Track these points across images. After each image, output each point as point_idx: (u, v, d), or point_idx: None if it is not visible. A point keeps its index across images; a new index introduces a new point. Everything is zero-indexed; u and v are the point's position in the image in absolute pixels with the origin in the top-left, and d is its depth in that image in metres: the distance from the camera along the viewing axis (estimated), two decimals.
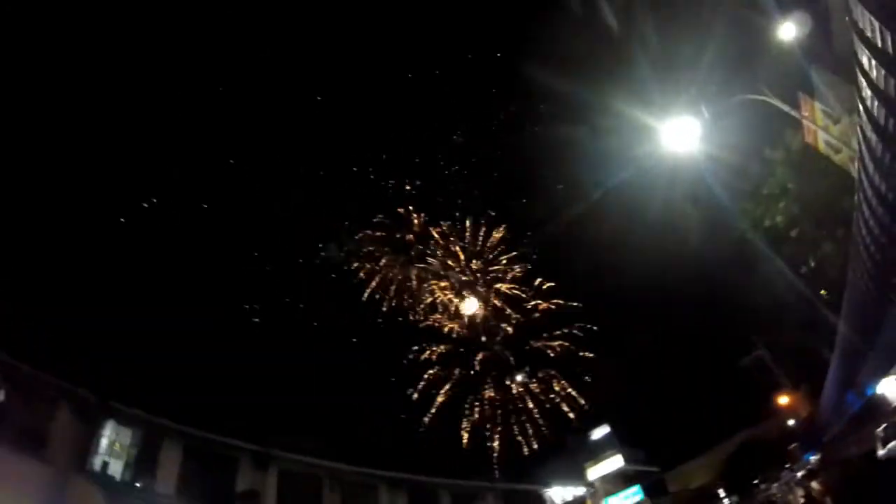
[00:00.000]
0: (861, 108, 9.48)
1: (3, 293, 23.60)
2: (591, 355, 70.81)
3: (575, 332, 71.22)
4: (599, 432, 62.11)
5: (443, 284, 69.76)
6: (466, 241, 70.65)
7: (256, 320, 51.82)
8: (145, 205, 47.33)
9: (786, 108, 20.82)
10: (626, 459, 58.31)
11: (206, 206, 51.74)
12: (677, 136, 19.60)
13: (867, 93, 9.09)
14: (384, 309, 66.59)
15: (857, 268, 14.13)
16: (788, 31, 20.51)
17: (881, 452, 12.13)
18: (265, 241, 59.45)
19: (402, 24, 62.22)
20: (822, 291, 36.97)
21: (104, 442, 25.04)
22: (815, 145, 23.61)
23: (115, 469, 24.99)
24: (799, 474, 37.60)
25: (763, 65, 24.46)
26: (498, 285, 71.89)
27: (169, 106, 47.97)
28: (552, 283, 71.52)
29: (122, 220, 44.98)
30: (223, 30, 49.71)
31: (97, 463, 24.23)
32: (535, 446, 67.39)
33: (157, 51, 46.24)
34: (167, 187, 49.91)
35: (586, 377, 70.63)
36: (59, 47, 39.42)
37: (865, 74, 8.86)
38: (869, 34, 8.08)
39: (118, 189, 44.89)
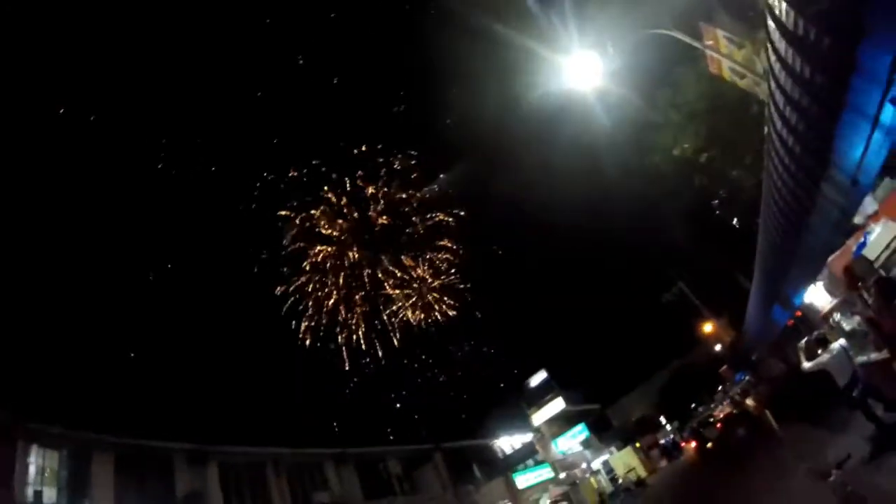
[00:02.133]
0: (767, 10, 9.68)
1: None
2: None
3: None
4: (537, 378, 63.80)
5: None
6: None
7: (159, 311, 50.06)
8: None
9: (688, 39, 21.26)
10: (567, 401, 59.93)
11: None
12: (581, 71, 19.83)
13: (773, 28, 9.33)
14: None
15: (773, 175, 14.62)
16: None
17: (806, 366, 12.60)
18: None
19: None
20: (734, 221, 38.48)
21: (32, 469, 23.66)
22: (719, 73, 24.36)
23: (50, 496, 23.53)
24: (732, 392, 39.43)
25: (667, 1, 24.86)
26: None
27: None
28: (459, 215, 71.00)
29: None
30: None
31: (29, 493, 22.92)
32: (477, 405, 68.21)
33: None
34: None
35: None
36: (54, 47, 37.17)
37: (771, 10, 9.09)
38: None
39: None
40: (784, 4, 8.57)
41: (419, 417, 66.53)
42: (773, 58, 10.28)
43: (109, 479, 25.94)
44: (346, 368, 67.14)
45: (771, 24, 9.60)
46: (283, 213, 65.21)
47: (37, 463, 23.74)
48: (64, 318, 36.98)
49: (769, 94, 11.50)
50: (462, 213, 69.29)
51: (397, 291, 70.76)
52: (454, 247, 69.80)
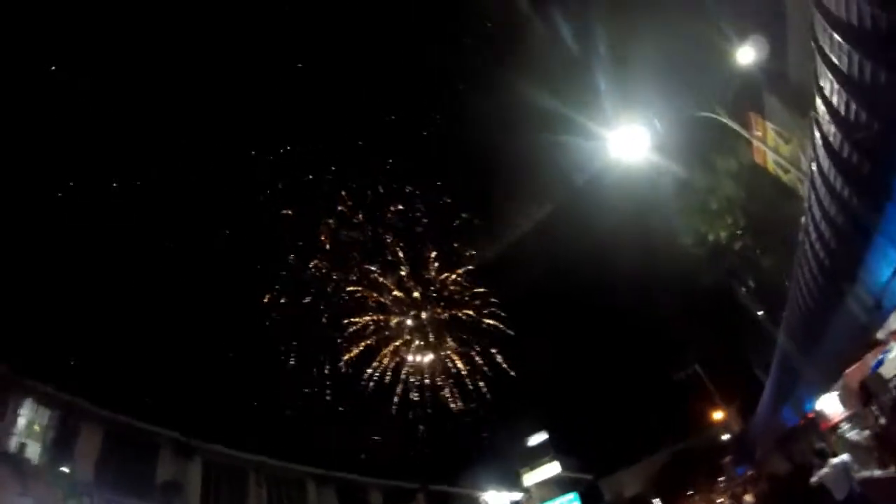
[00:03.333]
0: (816, 128, 9.99)
1: None
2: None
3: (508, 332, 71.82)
4: (536, 439, 63.19)
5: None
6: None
7: (186, 306, 50.50)
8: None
9: (736, 126, 21.53)
10: (563, 466, 59.43)
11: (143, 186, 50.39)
12: (627, 144, 20.02)
13: (823, 113, 9.63)
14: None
15: (800, 282, 14.83)
16: (746, 54, 21.25)
17: (813, 479, 12.63)
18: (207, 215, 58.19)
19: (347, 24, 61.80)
20: (760, 312, 38.37)
21: (21, 422, 24.12)
22: (763, 164, 24.65)
23: (33, 451, 24.00)
24: (731, 486, 38.88)
25: (718, 84, 25.31)
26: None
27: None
28: (490, 292, 72.16)
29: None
30: None
31: (13, 444, 23.36)
32: (469, 451, 67.94)
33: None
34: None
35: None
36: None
37: (824, 96, 9.38)
38: (832, 56, 8.59)
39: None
40: (833, 127, 8.92)
41: (409, 454, 66.05)
42: (815, 171, 10.61)
43: (94, 450, 26.52)
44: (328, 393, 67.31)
45: (818, 139, 9.94)
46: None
47: (27, 416, 24.38)
48: (81, 288, 37.52)
49: (807, 205, 11.79)
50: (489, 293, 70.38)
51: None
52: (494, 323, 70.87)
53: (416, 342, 72.08)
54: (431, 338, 72.64)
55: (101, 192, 46.41)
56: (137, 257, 46.26)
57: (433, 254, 71.79)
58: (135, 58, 46.32)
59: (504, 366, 71.84)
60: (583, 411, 69.52)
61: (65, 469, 24.76)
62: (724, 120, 20.85)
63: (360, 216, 68.70)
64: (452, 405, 71.72)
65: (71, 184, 42.82)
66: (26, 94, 37.06)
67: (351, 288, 68.53)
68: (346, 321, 67.71)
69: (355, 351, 67.86)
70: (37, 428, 24.81)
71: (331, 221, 67.52)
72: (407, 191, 70.46)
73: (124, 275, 43.41)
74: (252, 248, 61.07)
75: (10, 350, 23.90)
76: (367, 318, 68.89)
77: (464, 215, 71.20)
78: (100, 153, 44.93)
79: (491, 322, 71.98)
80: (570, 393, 69.62)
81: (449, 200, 70.67)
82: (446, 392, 72.06)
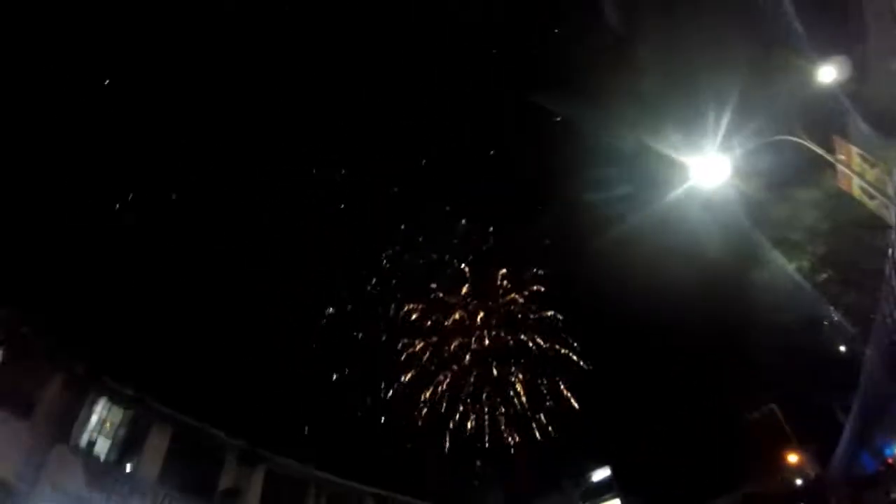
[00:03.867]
0: None
1: (9, 258, 23.90)
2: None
3: (581, 364, 70.81)
4: (600, 474, 61.89)
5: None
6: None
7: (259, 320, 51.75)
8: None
9: (820, 150, 20.62)
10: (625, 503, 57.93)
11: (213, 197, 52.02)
12: (706, 171, 19.41)
13: None
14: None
15: (885, 322, 13.95)
16: (827, 73, 20.43)
17: None
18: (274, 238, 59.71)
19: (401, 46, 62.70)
20: (842, 348, 36.68)
21: (94, 418, 25.03)
22: (848, 189, 23.48)
23: (102, 447, 24.95)
24: None
25: (799, 106, 24.42)
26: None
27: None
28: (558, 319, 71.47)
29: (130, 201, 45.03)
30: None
31: (84, 439, 24.18)
32: (529, 485, 67.06)
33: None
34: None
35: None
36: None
37: None
38: None
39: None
40: None
41: (465, 484, 65.73)
42: None
43: (162, 450, 27.38)
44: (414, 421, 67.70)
45: None
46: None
47: (100, 414, 25.40)
48: (158, 292, 38.89)
49: (894, 239, 11.04)
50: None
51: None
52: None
53: (476, 369, 71.98)
54: (493, 364, 72.40)
55: (167, 201, 48.05)
56: (212, 267, 47.67)
57: (501, 272, 71.69)
58: (173, 81, 47.97)
59: (569, 397, 71.02)
60: (651, 448, 67.72)
61: (130, 467, 25.48)
62: (807, 143, 20.00)
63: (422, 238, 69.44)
64: (510, 438, 71.20)
65: (136, 193, 44.51)
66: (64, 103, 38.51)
67: (410, 307, 69.06)
68: (402, 342, 68.27)
69: (410, 373, 68.23)
70: (108, 425, 25.67)
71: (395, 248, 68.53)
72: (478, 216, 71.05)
73: (202, 283, 44.75)
74: (314, 266, 62.28)
75: (88, 348, 24.89)
76: (423, 341, 69.21)
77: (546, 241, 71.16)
78: (163, 165, 46.57)
79: (561, 350, 71.23)
80: (638, 428, 68.02)
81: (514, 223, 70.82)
82: (504, 421, 71.67)
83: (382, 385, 66.53)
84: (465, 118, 70.95)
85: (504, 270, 71.49)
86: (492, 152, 69.23)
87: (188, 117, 46.41)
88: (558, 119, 59.12)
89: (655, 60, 41.32)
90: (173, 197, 47.84)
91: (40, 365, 22.65)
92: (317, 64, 55.93)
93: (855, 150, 22.23)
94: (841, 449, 31.97)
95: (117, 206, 41.92)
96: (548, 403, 71.55)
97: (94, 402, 25.07)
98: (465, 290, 70.98)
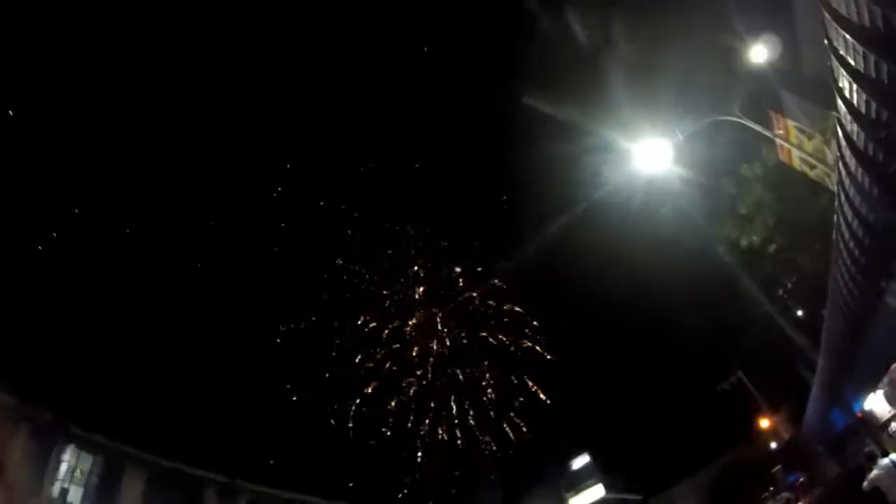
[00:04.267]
0: (839, 128, 10.10)
1: None
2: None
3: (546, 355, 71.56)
4: (580, 461, 62.48)
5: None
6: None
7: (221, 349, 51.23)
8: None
9: (758, 127, 21.56)
10: (608, 488, 58.67)
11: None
12: (650, 157, 20.14)
13: (845, 113, 9.74)
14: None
15: (838, 282, 14.80)
16: (759, 53, 21.37)
17: (865, 484, 12.46)
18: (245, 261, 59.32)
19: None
20: (799, 312, 37.97)
21: (63, 467, 24.51)
22: (789, 162, 24.57)
23: (75, 496, 24.44)
24: (783, 496, 38.15)
25: (734, 86, 25.36)
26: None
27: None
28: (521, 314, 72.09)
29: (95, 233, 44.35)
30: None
31: (55, 489, 23.69)
32: (512, 480, 67.50)
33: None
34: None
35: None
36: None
37: (843, 96, 9.51)
38: (847, 57, 8.72)
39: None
40: (855, 126, 9.02)
41: (447, 486, 66.06)
42: (842, 170, 10.69)
43: (137, 494, 26.90)
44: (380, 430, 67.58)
45: (842, 138, 10.04)
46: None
47: (70, 462, 24.90)
48: (126, 337, 38.31)
49: (837, 203, 11.84)
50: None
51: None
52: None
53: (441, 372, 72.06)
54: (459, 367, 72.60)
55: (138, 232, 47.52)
56: (173, 307, 47.22)
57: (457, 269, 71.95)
58: (178, 91, 47.65)
59: (538, 391, 71.77)
60: (627, 431, 68.78)
61: None
62: (745, 122, 20.89)
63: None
64: (485, 439, 71.61)
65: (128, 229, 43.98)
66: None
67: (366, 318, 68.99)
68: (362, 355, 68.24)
69: (372, 385, 68.17)
70: (80, 473, 25.22)
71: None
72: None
73: (159, 321, 44.26)
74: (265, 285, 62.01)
75: (53, 397, 24.45)
76: (385, 349, 69.18)
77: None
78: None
79: (524, 343, 71.83)
80: (612, 413, 68.96)
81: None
82: (476, 422, 71.99)
83: (356, 401, 66.68)
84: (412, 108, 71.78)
85: (459, 269, 72.01)
86: (417, 164, 70.06)
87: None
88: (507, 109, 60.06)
89: (593, 48, 42.38)
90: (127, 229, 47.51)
91: (3, 419, 22.30)
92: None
93: (792, 123, 23.29)
94: (811, 408, 33.07)
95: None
96: (519, 400, 72.46)
97: (61, 452, 24.53)
98: (421, 291, 71.24)
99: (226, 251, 58.35)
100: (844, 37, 8.14)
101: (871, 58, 7.73)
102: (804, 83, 22.08)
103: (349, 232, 69.02)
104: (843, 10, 7.96)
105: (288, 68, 58.81)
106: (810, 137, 22.75)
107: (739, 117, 21.30)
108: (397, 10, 59.02)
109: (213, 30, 49.28)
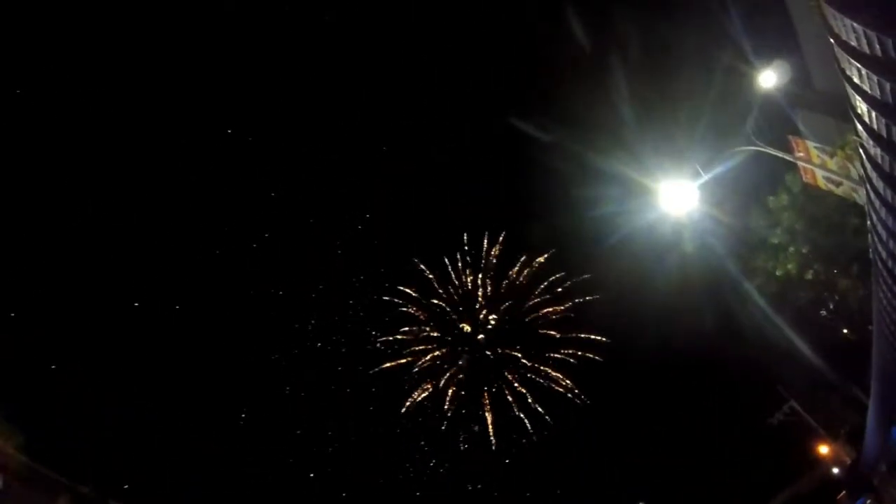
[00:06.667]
0: (862, 151, 10.36)
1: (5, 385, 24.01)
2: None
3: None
4: None
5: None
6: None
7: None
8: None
9: (779, 153, 21.76)
10: None
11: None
12: (675, 198, 20.30)
13: (866, 138, 10.02)
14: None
15: (881, 301, 14.85)
16: (769, 79, 21.69)
17: None
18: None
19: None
20: (845, 330, 37.54)
21: None
22: (814, 183, 24.67)
23: None
24: None
25: (749, 115, 25.70)
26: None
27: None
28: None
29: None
30: None
31: None
32: None
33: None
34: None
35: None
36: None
37: (862, 121, 9.82)
38: (862, 85, 9.04)
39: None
40: (878, 150, 9.29)
41: None
42: (871, 193, 10.91)
43: None
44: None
45: (866, 162, 10.30)
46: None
47: None
48: (164, 417, 38.86)
49: (870, 223, 12.00)
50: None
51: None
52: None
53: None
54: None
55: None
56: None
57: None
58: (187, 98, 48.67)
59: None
60: (681, 477, 67.45)
61: None
62: (767, 149, 21.12)
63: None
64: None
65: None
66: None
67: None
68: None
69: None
70: None
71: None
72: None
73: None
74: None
75: (92, 469, 24.88)
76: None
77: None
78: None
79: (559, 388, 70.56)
80: (664, 459, 67.73)
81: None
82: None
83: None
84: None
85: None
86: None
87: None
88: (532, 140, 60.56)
89: (613, 96, 42.99)
90: None
91: (45, 492, 22.49)
92: None
93: (811, 144, 23.48)
94: (869, 429, 32.40)
95: None
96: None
97: None
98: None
99: (225, 251, 58.94)
100: (858, 67, 8.48)
101: (887, 86, 8.04)
102: (814, 97, 22.38)
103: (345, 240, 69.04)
104: (853, 42, 8.32)
105: (288, 68, 59.73)
106: (832, 155, 22.89)
107: (759, 146, 21.56)
108: (397, 9, 60.08)
109: (214, 30, 50.40)
